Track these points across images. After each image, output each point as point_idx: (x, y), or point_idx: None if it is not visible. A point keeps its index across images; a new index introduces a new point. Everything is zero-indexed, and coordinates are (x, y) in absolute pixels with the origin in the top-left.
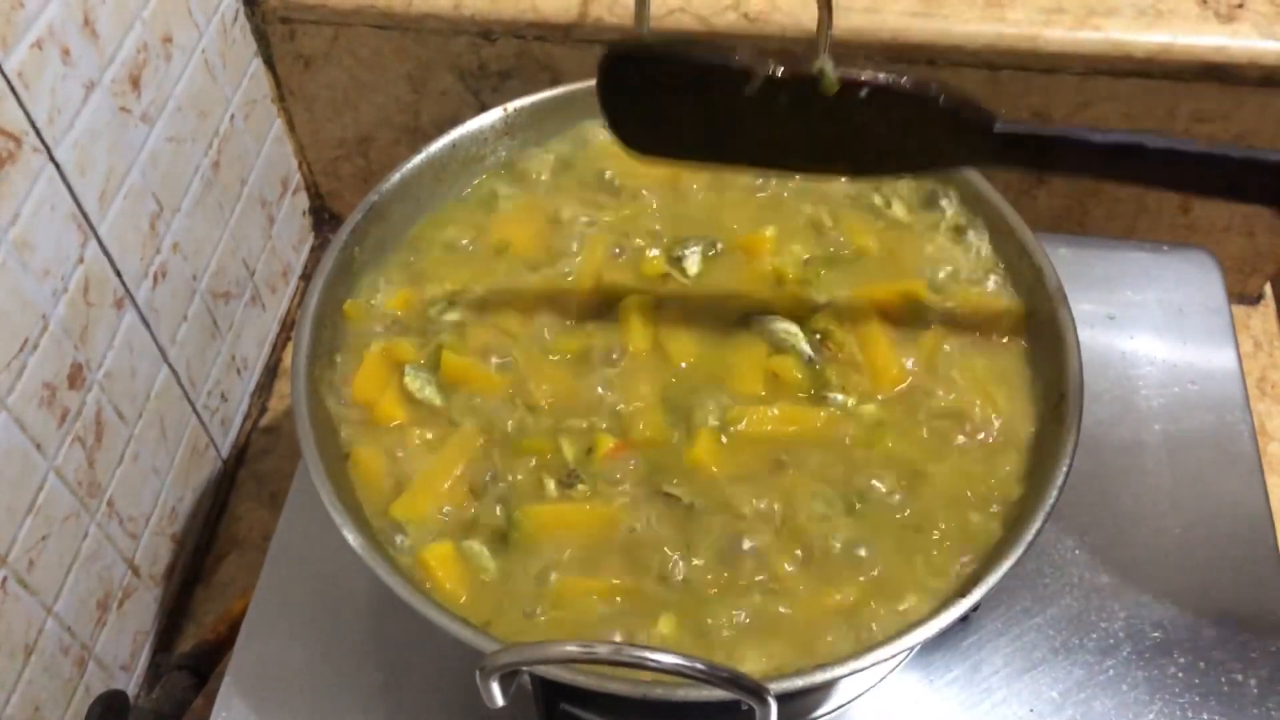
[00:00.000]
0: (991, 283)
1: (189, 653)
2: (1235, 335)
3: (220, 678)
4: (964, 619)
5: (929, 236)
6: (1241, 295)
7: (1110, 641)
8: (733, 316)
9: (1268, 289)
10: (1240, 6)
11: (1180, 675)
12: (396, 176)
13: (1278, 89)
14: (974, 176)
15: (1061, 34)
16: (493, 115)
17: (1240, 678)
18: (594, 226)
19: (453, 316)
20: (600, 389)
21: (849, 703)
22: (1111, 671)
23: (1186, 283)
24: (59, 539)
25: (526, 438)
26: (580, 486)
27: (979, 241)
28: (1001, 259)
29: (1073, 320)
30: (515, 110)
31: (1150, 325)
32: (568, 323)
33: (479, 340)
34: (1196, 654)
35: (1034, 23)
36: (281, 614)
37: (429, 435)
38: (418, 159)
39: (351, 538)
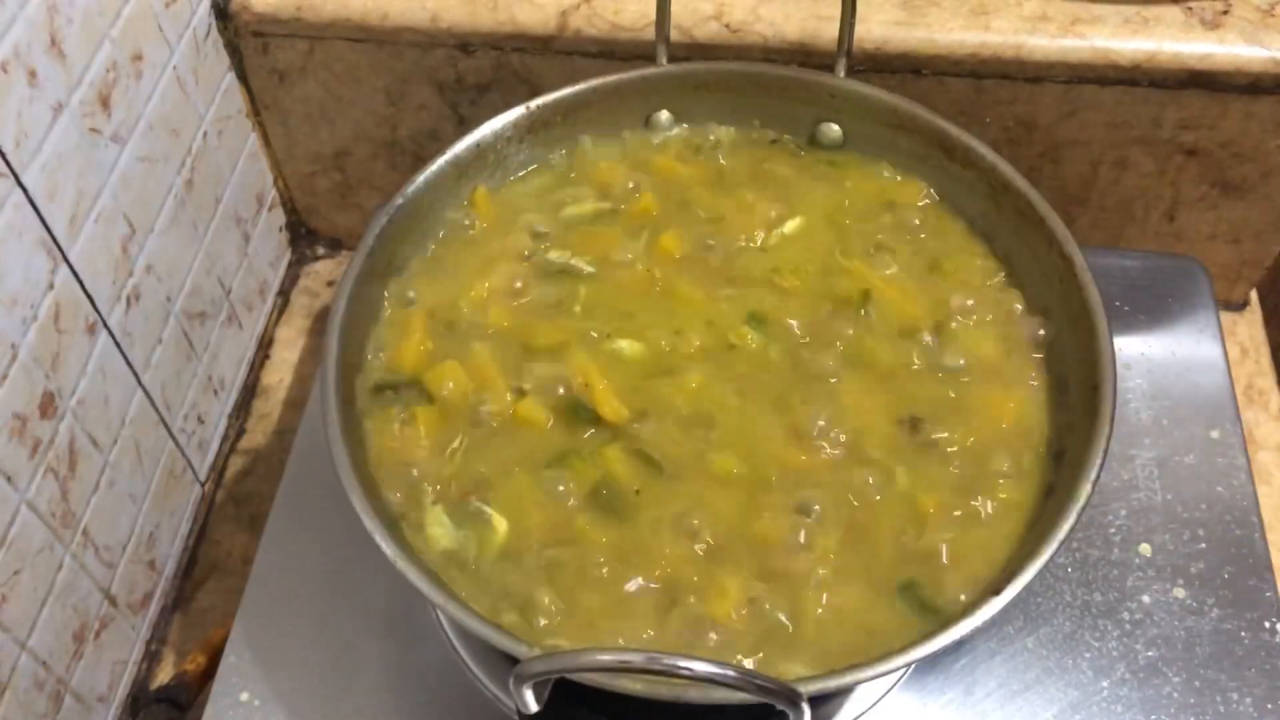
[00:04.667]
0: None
1: (168, 685)
2: (1224, 346)
3: (201, 708)
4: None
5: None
6: (1227, 302)
7: (1104, 661)
8: None
9: (1253, 295)
10: (1226, 14)
11: (1175, 695)
12: (421, 178)
13: (1263, 96)
14: (1000, 163)
15: (1046, 42)
16: (514, 113)
17: (1235, 696)
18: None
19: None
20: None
21: None
22: (1105, 692)
23: (1174, 292)
24: (32, 572)
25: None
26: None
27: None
28: (1025, 253)
29: (1104, 309)
30: (539, 107)
31: (1138, 336)
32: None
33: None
34: (1190, 673)
35: (1018, 31)
36: (263, 641)
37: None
38: (440, 161)
39: (387, 548)
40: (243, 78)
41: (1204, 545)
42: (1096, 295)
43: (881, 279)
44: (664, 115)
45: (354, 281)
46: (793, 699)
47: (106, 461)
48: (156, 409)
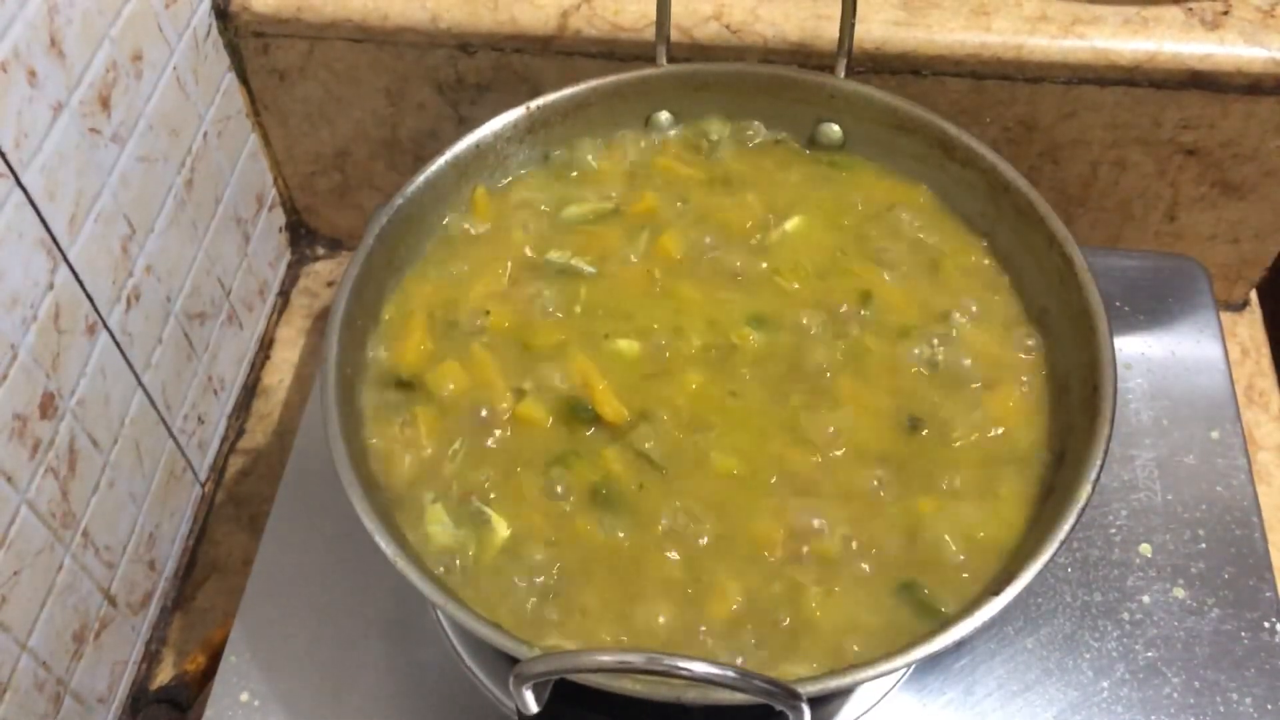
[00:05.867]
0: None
1: (168, 685)
2: (1225, 346)
3: (201, 708)
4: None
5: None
6: (1227, 303)
7: (1104, 662)
8: None
9: (1253, 295)
10: (1226, 14)
11: (1175, 695)
12: (421, 178)
13: (1263, 97)
14: (1000, 163)
15: (1046, 43)
16: (515, 114)
17: (1235, 696)
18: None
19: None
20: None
21: None
22: (1106, 692)
23: (1174, 292)
24: (32, 573)
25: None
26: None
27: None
28: (1025, 253)
29: (1104, 308)
30: (539, 107)
31: (1138, 336)
32: None
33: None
34: (1190, 673)
35: (1019, 31)
36: (263, 641)
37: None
38: (440, 161)
39: (387, 548)
40: (243, 78)
41: (1204, 545)
42: (1096, 295)
43: (882, 279)
44: (664, 115)
45: (354, 281)
46: (793, 699)
47: (106, 461)
48: (156, 409)
